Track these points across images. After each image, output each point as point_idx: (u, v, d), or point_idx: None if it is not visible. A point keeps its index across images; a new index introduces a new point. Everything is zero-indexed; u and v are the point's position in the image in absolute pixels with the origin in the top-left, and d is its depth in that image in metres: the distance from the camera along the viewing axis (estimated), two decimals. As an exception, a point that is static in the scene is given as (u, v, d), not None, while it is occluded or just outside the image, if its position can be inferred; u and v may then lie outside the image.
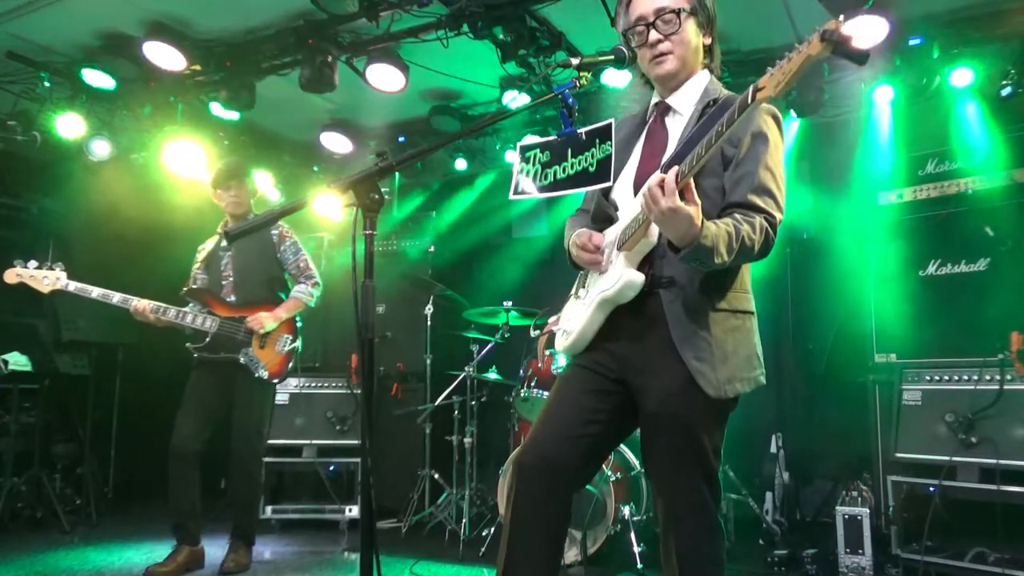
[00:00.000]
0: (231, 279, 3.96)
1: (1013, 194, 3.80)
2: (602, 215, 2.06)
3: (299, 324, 4.07)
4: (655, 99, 2.07)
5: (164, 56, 4.23)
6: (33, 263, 3.75)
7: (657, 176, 1.69)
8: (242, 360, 3.82)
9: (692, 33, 1.96)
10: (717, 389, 1.81)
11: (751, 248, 1.77)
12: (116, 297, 3.74)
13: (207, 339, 3.81)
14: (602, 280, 1.95)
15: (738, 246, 1.73)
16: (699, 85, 1.99)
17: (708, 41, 2.02)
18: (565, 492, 1.93)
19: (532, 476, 1.90)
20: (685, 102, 1.98)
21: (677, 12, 1.92)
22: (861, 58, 1.51)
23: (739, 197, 1.83)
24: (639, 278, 1.85)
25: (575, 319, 2.04)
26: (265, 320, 3.85)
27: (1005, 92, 4.02)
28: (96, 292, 3.74)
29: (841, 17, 1.45)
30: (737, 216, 1.79)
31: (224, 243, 3.97)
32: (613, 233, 1.96)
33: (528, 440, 1.96)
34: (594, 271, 2.02)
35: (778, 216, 1.84)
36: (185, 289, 3.94)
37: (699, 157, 1.65)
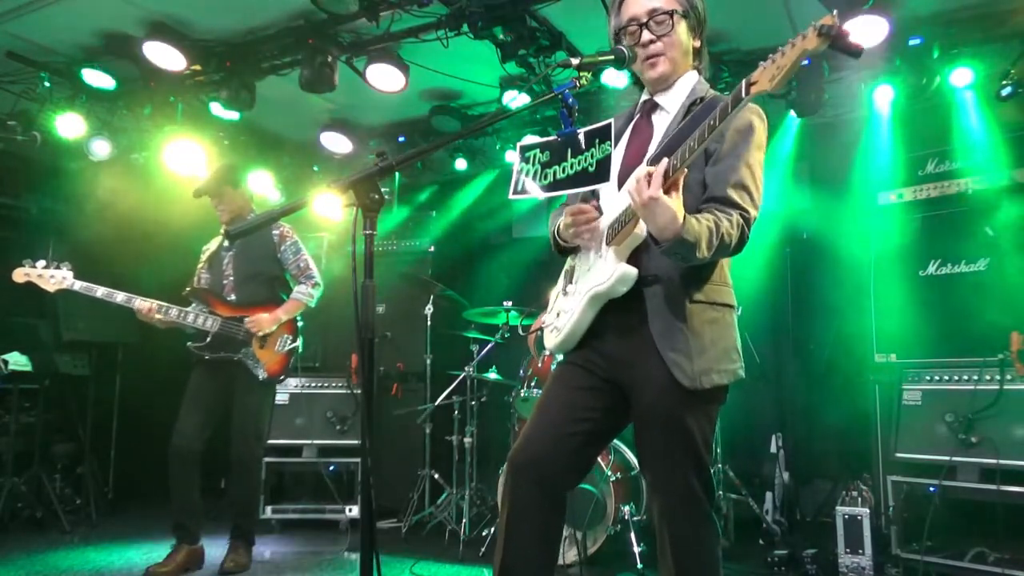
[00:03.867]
0: (232, 279, 3.97)
1: (1013, 194, 3.80)
2: None
3: (300, 324, 4.08)
4: (644, 96, 2.09)
5: (164, 56, 4.22)
6: (41, 262, 3.77)
7: (645, 167, 1.70)
8: (242, 359, 3.82)
9: (683, 35, 1.98)
10: (692, 380, 1.81)
11: (728, 244, 1.79)
12: (120, 296, 3.75)
13: (208, 338, 3.82)
14: (592, 275, 1.95)
15: (717, 242, 1.75)
16: (687, 85, 2.01)
17: (698, 44, 2.04)
18: (558, 490, 1.94)
19: (524, 475, 1.91)
20: (672, 100, 2.00)
21: (670, 14, 1.94)
22: (856, 52, 1.52)
23: (718, 192, 1.85)
24: (632, 271, 1.86)
25: (564, 316, 2.04)
26: (264, 322, 3.86)
27: (1005, 92, 4.02)
28: (101, 291, 3.75)
29: (835, 11, 1.46)
30: (716, 211, 1.81)
31: (227, 243, 3.98)
32: (600, 227, 1.97)
33: (520, 439, 1.97)
34: (582, 266, 2.03)
35: (753, 213, 1.86)
36: (188, 289, 3.95)
37: (691, 150, 1.66)
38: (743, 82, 1.58)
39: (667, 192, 1.67)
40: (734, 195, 1.83)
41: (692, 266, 1.83)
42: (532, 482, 1.90)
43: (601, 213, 1.99)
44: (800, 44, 1.48)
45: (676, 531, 1.89)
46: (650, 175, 1.67)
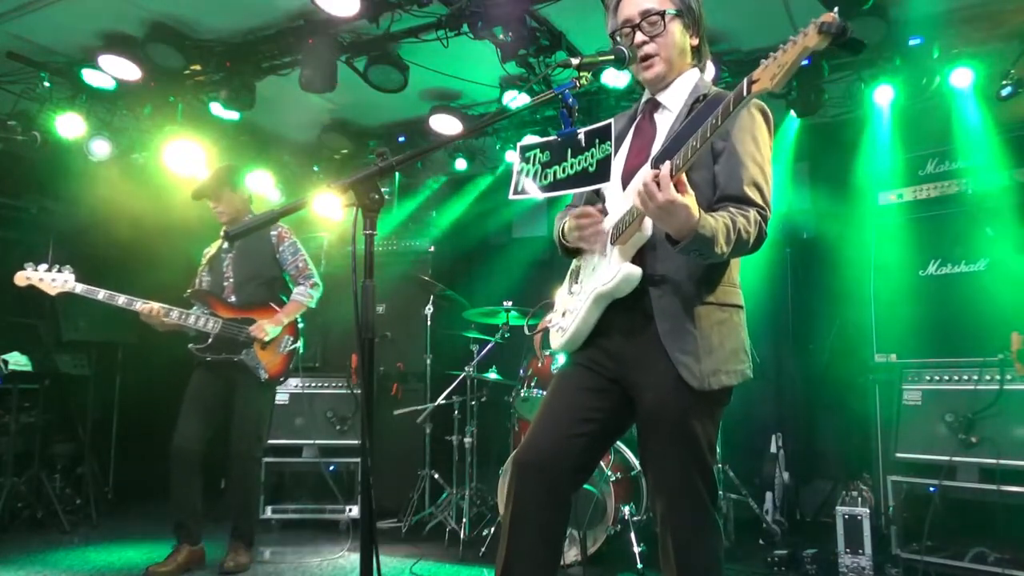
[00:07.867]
0: (232, 280, 3.97)
1: (1013, 194, 3.80)
2: None
3: (301, 325, 4.08)
4: (645, 96, 2.09)
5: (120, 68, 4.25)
6: (43, 266, 3.78)
7: (650, 171, 1.69)
8: (243, 360, 3.82)
9: (678, 34, 1.97)
10: (700, 381, 1.81)
11: (746, 241, 1.78)
12: (121, 299, 3.75)
13: (209, 340, 3.82)
14: (597, 275, 1.95)
15: (735, 238, 1.74)
16: (688, 82, 2.00)
17: (695, 42, 2.03)
18: (563, 491, 1.94)
19: (529, 475, 1.91)
20: (674, 99, 1.99)
21: (662, 14, 1.93)
22: (858, 47, 1.53)
23: (733, 191, 1.84)
24: (637, 271, 1.85)
25: (570, 316, 2.04)
26: (268, 327, 3.86)
27: (1005, 92, 4.02)
28: (102, 294, 3.75)
29: (836, 8, 1.46)
30: (732, 209, 1.80)
31: (226, 245, 3.99)
32: (604, 227, 1.96)
33: (525, 439, 1.97)
34: (587, 266, 2.02)
35: (768, 211, 1.85)
36: (189, 291, 3.97)
37: (693, 150, 1.66)
38: (744, 80, 1.58)
39: (677, 191, 1.66)
40: (750, 193, 1.82)
41: (703, 267, 1.83)
42: (536, 482, 1.90)
43: (606, 214, 1.98)
44: (801, 42, 1.47)
45: (679, 533, 1.87)
46: (657, 178, 1.66)
